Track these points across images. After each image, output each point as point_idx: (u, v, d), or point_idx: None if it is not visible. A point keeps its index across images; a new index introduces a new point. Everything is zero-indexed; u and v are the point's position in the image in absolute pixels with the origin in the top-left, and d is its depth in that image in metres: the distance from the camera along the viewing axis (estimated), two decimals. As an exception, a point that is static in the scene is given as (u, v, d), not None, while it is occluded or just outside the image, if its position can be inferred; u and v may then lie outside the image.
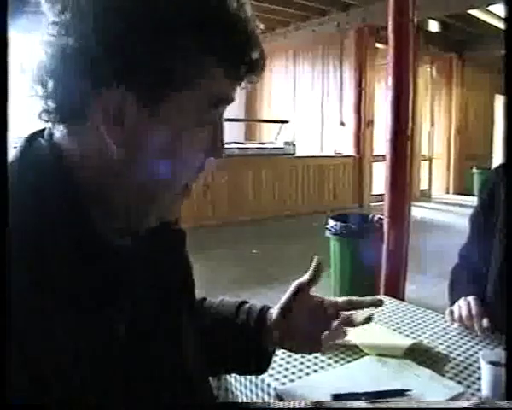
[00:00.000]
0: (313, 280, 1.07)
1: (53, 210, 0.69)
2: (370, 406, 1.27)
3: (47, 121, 0.74)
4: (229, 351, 1.13)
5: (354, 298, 1.09)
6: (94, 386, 0.66)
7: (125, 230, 0.80)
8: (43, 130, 0.77)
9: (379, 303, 1.09)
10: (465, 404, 1.24)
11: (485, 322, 1.67)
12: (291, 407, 1.20)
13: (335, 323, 1.07)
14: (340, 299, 1.09)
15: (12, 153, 0.72)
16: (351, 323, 1.07)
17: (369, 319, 1.07)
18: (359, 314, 1.08)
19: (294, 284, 1.08)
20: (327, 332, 1.06)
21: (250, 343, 1.10)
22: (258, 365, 1.14)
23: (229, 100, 0.78)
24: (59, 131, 0.74)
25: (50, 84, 0.69)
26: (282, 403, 1.33)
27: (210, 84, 0.72)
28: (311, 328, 1.08)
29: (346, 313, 1.08)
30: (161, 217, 0.82)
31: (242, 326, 1.11)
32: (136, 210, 0.77)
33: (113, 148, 0.71)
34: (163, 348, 0.83)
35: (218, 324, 1.13)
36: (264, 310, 1.12)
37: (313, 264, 1.07)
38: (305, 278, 1.07)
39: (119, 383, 0.71)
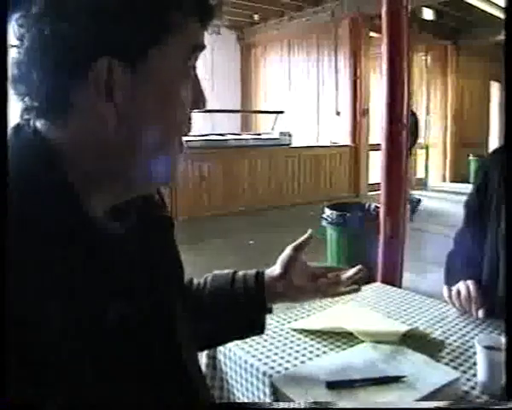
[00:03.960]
0: (304, 245, 1.30)
1: (42, 197, 0.68)
2: (374, 407, 1.27)
3: (29, 119, 0.74)
4: (231, 317, 1.24)
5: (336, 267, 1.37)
6: (86, 375, 0.66)
7: (117, 212, 0.80)
8: (29, 120, 0.76)
9: (361, 271, 1.32)
10: (437, 404, 1.24)
11: (480, 313, 1.69)
12: (291, 406, 1.23)
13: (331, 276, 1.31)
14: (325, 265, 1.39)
15: None
16: (340, 281, 1.30)
17: (356, 289, 1.32)
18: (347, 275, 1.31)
19: (290, 246, 1.30)
20: (325, 280, 1.29)
21: (252, 303, 1.24)
22: (261, 323, 1.27)
23: (204, 46, 0.80)
24: (41, 121, 0.73)
25: (30, 79, 0.69)
26: (282, 403, 1.32)
27: (186, 31, 0.75)
28: (305, 281, 1.29)
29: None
30: (166, 181, 0.84)
31: (242, 289, 1.24)
32: (137, 177, 0.78)
33: (109, 119, 0.71)
34: (156, 335, 0.82)
35: (216, 295, 1.24)
36: (260, 271, 1.28)
37: (307, 234, 1.31)
38: (300, 240, 1.30)
39: (112, 372, 0.71)
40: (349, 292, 1.32)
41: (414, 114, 9.01)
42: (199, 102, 0.83)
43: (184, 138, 0.84)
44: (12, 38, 0.68)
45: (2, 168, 0.65)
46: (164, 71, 0.73)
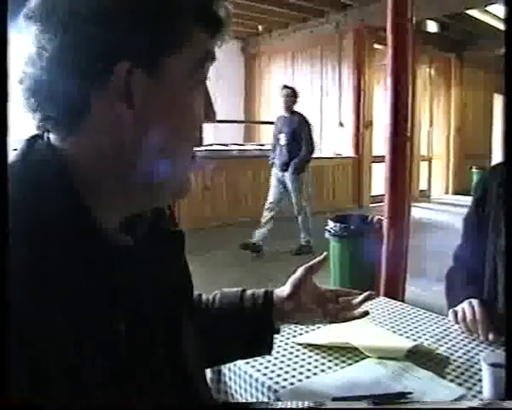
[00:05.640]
0: (317, 267, 1.29)
1: (55, 211, 0.69)
2: (372, 406, 1.27)
3: (46, 131, 0.75)
4: (238, 336, 1.23)
5: (346, 290, 1.38)
6: (93, 385, 0.66)
7: (129, 225, 0.80)
8: (43, 132, 0.77)
9: (371, 297, 1.32)
10: (472, 404, 1.24)
11: (491, 337, 1.67)
12: (291, 407, 1.21)
13: (341, 301, 1.31)
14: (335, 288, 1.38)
15: (12, 154, 0.72)
16: (351, 305, 1.29)
17: (365, 313, 1.30)
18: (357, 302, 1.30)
19: (302, 267, 1.29)
20: (335, 306, 1.29)
21: (260, 323, 1.23)
22: (268, 343, 1.26)
23: (214, 56, 0.81)
24: (56, 132, 0.74)
25: (49, 90, 0.70)
26: (282, 403, 1.33)
27: (198, 41, 0.77)
28: (315, 303, 1.28)
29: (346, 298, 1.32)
30: (178, 191, 0.83)
31: (251, 308, 1.23)
32: (151, 188, 0.78)
33: (127, 122, 0.72)
34: (163, 348, 0.83)
35: (224, 313, 1.23)
36: (269, 290, 1.27)
37: (321, 256, 1.31)
38: (312, 262, 1.30)
39: (119, 383, 0.71)
40: (358, 317, 1.30)
41: (303, 117, 7.11)
42: (209, 114, 0.84)
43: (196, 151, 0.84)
44: (31, 49, 0.69)
45: (3, 173, 0.66)
46: (177, 79, 0.75)
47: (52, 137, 0.75)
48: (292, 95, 6.99)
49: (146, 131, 0.74)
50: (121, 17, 0.68)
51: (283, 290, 1.27)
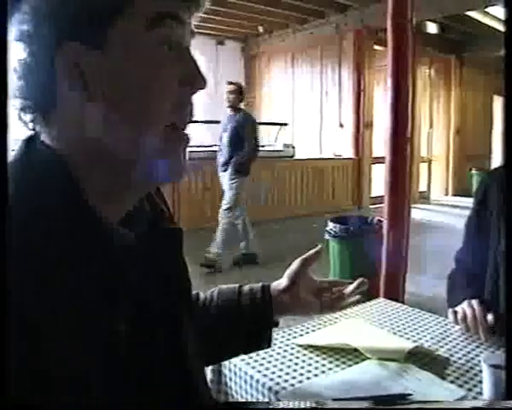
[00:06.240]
0: (313, 259, 1.31)
1: (58, 209, 0.69)
2: (372, 407, 1.27)
3: (27, 122, 0.75)
4: (238, 331, 1.24)
5: (340, 280, 1.42)
6: (93, 385, 0.66)
7: (129, 222, 0.79)
8: (39, 132, 0.77)
9: (363, 285, 1.32)
10: (473, 404, 1.24)
11: (489, 317, 1.67)
12: (291, 407, 1.22)
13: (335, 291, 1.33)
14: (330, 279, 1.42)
15: (11, 154, 0.71)
16: (343, 296, 1.31)
17: (359, 301, 1.34)
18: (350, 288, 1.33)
19: (298, 259, 1.31)
20: (331, 296, 1.32)
21: (259, 316, 1.24)
22: (267, 336, 1.27)
23: (174, 16, 0.75)
24: (45, 132, 0.74)
25: (22, 84, 0.71)
26: (282, 403, 1.32)
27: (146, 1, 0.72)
28: (311, 295, 1.30)
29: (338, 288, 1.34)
30: (168, 171, 0.78)
31: (249, 303, 1.24)
32: (135, 169, 0.75)
33: (87, 106, 0.70)
34: (163, 348, 0.82)
35: (222, 309, 1.24)
36: (266, 284, 1.29)
37: (316, 248, 1.32)
38: (308, 255, 1.31)
39: (119, 383, 0.71)
40: (352, 304, 1.33)
41: (247, 115, 6.63)
42: (194, 81, 0.77)
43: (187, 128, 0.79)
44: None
45: (3, 173, 0.65)
46: (130, 46, 0.71)
47: (43, 134, 0.74)
48: (236, 91, 6.39)
49: (111, 111, 0.71)
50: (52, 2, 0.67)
51: (280, 283, 1.29)
